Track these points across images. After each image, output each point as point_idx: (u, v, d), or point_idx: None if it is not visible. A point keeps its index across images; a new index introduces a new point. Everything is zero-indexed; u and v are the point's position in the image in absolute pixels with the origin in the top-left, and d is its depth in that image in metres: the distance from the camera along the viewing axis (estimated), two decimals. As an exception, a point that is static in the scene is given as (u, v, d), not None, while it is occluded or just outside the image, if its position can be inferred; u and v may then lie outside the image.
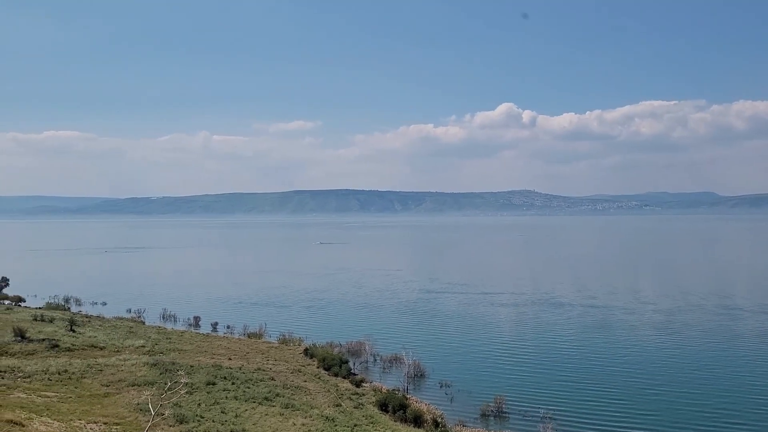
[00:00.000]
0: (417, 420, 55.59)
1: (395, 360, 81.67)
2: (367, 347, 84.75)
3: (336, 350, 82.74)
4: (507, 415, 61.67)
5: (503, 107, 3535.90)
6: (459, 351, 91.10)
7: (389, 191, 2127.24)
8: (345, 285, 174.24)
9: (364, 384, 68.40)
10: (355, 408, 57.42)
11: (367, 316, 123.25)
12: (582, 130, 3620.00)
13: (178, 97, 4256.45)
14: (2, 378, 58.22)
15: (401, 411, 56.57)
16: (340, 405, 57.76)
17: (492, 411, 61.91)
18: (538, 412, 60.51)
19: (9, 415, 43.74)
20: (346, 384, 67.23)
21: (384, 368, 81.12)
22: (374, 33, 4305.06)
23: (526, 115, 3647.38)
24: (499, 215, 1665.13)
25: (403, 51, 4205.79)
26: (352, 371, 74.47)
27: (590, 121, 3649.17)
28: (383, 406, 58.31)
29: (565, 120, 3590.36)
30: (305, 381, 66.94)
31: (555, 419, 58.75)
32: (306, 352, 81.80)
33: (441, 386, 71.79)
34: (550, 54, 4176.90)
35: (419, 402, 63.77)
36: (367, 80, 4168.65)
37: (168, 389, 20.22)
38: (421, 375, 75.91)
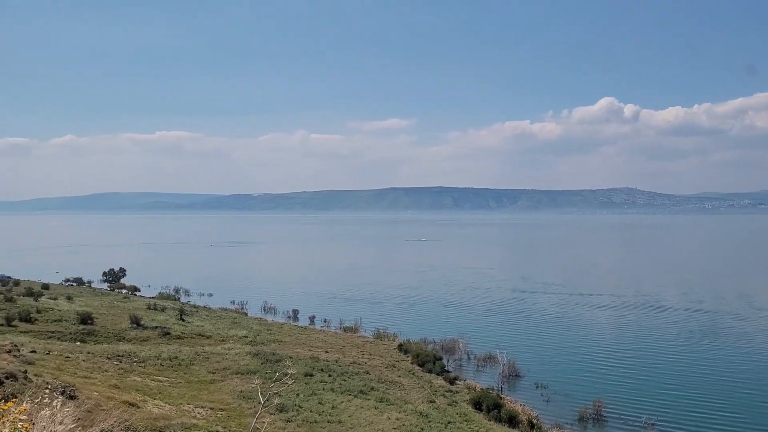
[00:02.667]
0: (512, 420, 55.09)
1: (489, 359, 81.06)
2: (460, 345, 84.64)
3: (430, 347, 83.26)
4: (606, 419, 59.88)
5: (603, 102, 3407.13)
6: (555, 352, 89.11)
7: (484, 189, 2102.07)
8: (437, 282, 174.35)
9: (457, 381, 68.48)
10: (448, 405, 57.62)
11: (460, 314, 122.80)
12: (689, 124, 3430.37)
13: (277, 97, 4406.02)
14: (120, 362, 62.83)
15: (495, 410, 56.24)
16: (434, 401, 58.13)
17: (590, 415, 60.28)
18: (640, 419, 58.34)
19: (126, 397, 47.27)
20: (439, 381, 67.55)
21: (478, 367, 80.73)
22: (470, 32, 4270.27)
23: (628, 109, 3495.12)
24: (598, 214, 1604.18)
25: (498, 48, 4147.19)
26: (446, 368, 74.69)
27: (698, 114, 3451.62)
28: (477, 405, 58.19)
29: (671, 114, 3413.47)
30: (399, 376, 67.81)
31: (658, 426, 56.45)
32: (400, 347, 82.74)
33: (536, 387, 70.62)
34: (655, 45, 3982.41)
35: (514, 402, 63.12)
36: (461, 78, 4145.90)
37: (276, 379, 21.08)
38: (515, 375, 74.98)
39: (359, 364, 70.78)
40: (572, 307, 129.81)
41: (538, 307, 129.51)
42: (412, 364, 74.56)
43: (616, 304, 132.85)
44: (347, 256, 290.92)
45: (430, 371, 71.09)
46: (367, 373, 66.90)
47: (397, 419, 50.70)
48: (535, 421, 56.67)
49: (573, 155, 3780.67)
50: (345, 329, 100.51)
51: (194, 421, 43.43)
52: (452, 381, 67.93)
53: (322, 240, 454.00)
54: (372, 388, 59.65)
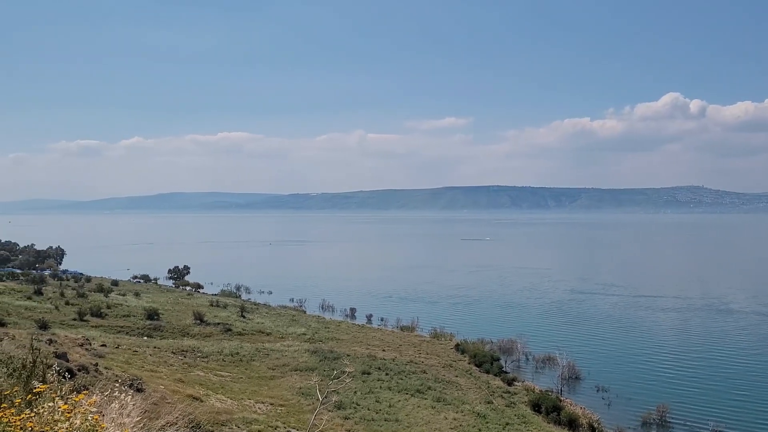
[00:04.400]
0: (572, 423, 54.03)
1: (548, 360, 79.72)
2: (518, 346, 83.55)
3: (487, 347, 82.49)
4: (671, 425, 58.03)
5: (667, 97, 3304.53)
6: (616, 355, 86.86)
7: (542, 187, 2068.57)
8: (494, 282, 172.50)
9: (515, 383, 67.60)
10: (506, 406, 56.97)
11: (517, 314, 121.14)
12: (760, 119, 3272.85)
13: (335, 97, 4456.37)
14: (184, 357, 64.84)
15: (555, 413, 55.25)
16: (492, 402, 57.58)
17: (654, 420, 58.53)
18: (707, 425, 56.25)
19: (190, 391, 48.74)
20: (497, 381, 66.84)
21: (536, 368, 79.52)
22: (527, 29, 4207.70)
23: (694, 104, 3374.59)
24: (662, 213, 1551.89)
25: (557, 45, 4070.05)
26: (504, 369, 73.83)
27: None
28: (536, 407, 57.31)
29: (740, 109, 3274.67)
30: (456, 376, 67.47)
31: (726, 434, 54.26)
32: (457, 347, 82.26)
33: (597, 390, 69.02)
34: (722, 37, 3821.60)
35: (574, 405, 61.90)
36: (518, 76, 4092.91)
37: (334, 377, 21.37)
38: (575, 377, 73.47)
39: (416, 363, 70.77)
40: (634, 309, 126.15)
41: (599, 309, 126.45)
42: (469, 364, 74.05)
43: (681, 307, 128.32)
44: (403, 255, 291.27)
45: (487, 372, 70.45)
46: (424, 372, 66.83)
47: (454, 419, 50.48)
48: (596, 425, 55.40)
49: (635, 153, 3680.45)
50: (402, 328, 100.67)
51: (255, 416, 44.40)
52: (510, 382, 67.12)
53: (379, 239, 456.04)
54: (429, 388, 59.56)
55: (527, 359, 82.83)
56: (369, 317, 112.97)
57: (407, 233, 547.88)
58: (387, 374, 63.43)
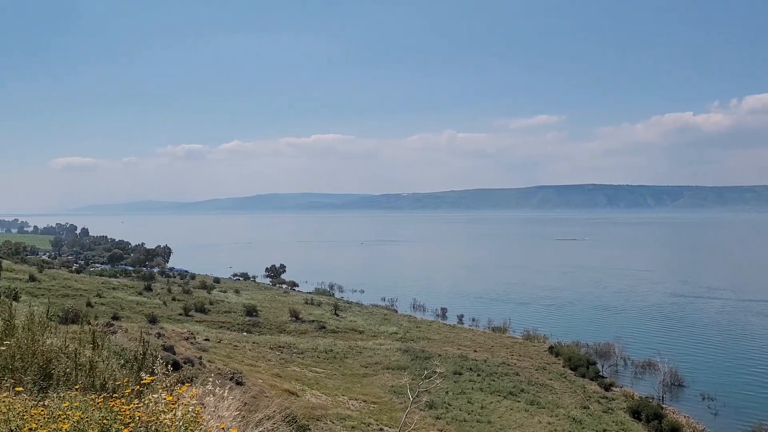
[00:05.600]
0: (674, 432, 51.49)
1: (648, 366, 76.17)
2: (616, 350, 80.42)
3: (582, 350, 79.98)
4: (786, 439, 53.99)
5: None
6: (724, 362, 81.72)
7: (641, 186, 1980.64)
8: (588, 284, 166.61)
9: (613, 388, 65.24)
10: (603, 412, 55.07)
11: (614, 317, 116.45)
12: None
13: (425, 98, 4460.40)
14: (281, 352, 67.03)
15: (656, 421, 52.84)
16: (588, 407, 55.84)
17: (766, 432, 54.73)
18: (828, 441, 51.98)
19: (287, 386, 50.35)
20: (593, 386, 64.75)
21: (635, 373, 76.24)
22: (624, 19, 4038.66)
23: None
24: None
25: (656, 34, 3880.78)
26: (600, 373, 71.37)
27: None
28: (635, 414, 55.04)
29: None
30: (550, 379, 65.91)
31: None
32: (551, 350, 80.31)
33: (703, 399, 65.35)
34: None
35: (677, 413, 58.98)
36: (614, 70, 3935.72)
37: (426, 377, 21.54)
38: (678, 384, 69.86)
39: (508, 365, 69.72)
40: (743, 314, 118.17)
41: (703, 313, 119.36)
42: (563, 367, 72.09)
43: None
44: (494, 255, 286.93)
45: (583, 376, 68.32)
46: (517, 374, 65.73)
47: (549, 423, 49.36)
48: (701, 436, 52.56)
49: (744, 148, 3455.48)
50: (493, 329, 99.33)
51: (348, 412, 45.27)
52: (607, 387, 64.81)
53: (470, 239, 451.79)
54: (522, 390, 58.53)
55: (625, 364, 79.58)
56: (460, 317, 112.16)
57: (499, 233, 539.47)
58: (479, 375, 62.89)
